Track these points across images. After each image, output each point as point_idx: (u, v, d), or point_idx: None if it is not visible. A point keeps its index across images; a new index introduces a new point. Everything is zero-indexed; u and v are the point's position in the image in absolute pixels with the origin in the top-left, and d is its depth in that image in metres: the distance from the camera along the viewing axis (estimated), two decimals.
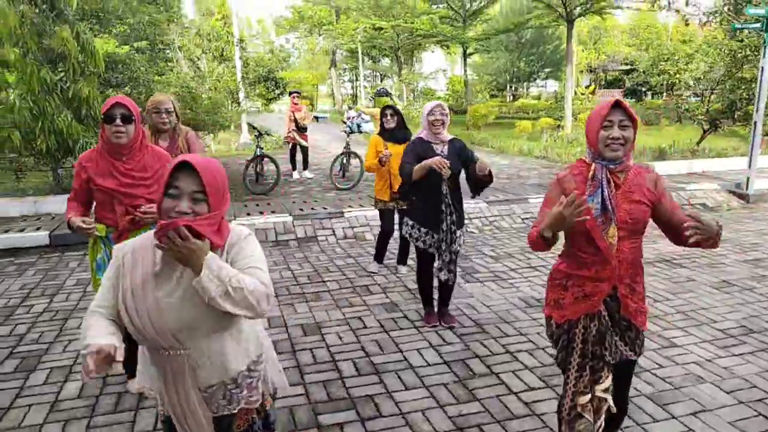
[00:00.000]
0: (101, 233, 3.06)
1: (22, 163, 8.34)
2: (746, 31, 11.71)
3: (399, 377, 3.49)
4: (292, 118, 10.80)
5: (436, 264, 4.16)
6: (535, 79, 40.04)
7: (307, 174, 11.03)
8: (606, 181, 2.19)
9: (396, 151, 4.83)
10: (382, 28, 24.77)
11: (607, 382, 2.32)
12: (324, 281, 5.29)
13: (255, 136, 10.15)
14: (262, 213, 7.27)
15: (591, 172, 2.22)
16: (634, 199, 2.21)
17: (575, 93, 28.70)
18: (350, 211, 7.27)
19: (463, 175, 4.04)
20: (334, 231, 6.89)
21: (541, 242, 2.22)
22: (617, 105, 2.18)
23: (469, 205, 7.53)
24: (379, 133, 5.21)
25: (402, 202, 4.68)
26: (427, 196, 3.99)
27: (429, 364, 3.66)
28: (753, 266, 5.63)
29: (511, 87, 39.70)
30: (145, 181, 3.07)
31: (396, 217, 5.21)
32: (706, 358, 3.70)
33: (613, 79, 38.00)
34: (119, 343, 1.71)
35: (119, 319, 1.73)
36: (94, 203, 3.12)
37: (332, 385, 3.40)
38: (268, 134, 13.14)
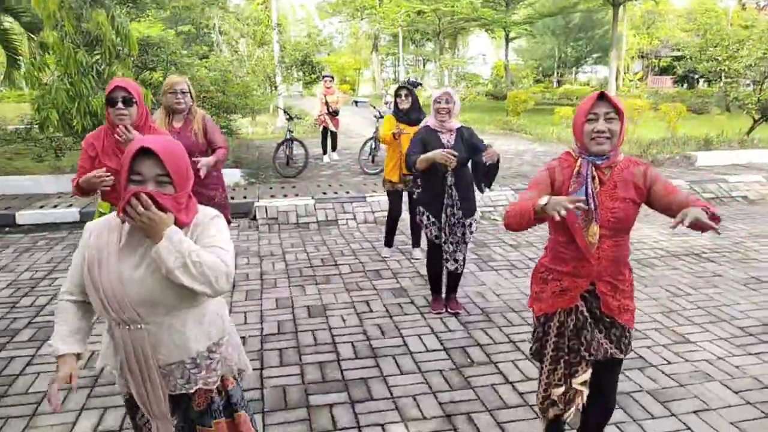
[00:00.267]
0: (105, 211, 3.15)
1: (61, 142, 8.66)
2: None
3: (396, 361, 3.48)
4: (324, 101, 10.84)
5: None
6: (582, 65, 38.89)
7: (334, 156, 11.07)
8: (590, 177, 2.11)
9: (409, 131, 4.79)
10: (423, 12, 24.48)
11: (585, 376, 2.26)
12: (337, 264, 5.32)
13: (286, 119, 10.23)
14: (286, 196, 7.35)
15: (576, 168, 2.14)
16: (618, 196, 2.11)
17: (624, 80, 27.81)
18: (372, 196, 7.27)
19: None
20: (354, 215, 6.91)
21: (530, 217, 2.05)
22: (602, 97, 2.09)
23: (495, 192, 7.42)
24: (393, 113, 5.18)
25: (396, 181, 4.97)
26: (433, 185, 3.94)
27: (428, 350, 3.64)
28: None
29: (556, 73, 38.69)
30: None
31: (405, 198, 5.21)
32: (719, 356, 3.55)
33: (666, 65, 36.52)
34: (81, 347, 1.83)
35: (88, 296, 1.78)
36: None
37: (328, 366, 3.42)
38: (298, 118, 13.20)
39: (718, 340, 3.78)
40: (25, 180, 8.03)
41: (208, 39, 18.08)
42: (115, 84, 2.96)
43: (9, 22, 9.59)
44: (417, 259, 5.42)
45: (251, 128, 15.02)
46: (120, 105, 2.97)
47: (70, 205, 6.86)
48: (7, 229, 6.52)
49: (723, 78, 13.80)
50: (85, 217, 6.63)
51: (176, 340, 1.79)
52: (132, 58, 8.15)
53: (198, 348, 1.84)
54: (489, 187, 4.02)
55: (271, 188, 8.01)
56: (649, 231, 6.40)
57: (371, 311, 4.26)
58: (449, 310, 4.20)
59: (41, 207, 6.87)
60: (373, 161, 10.15)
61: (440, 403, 3.04)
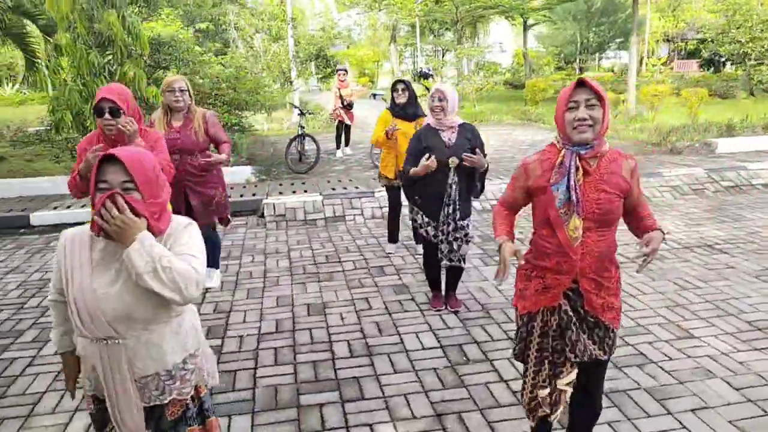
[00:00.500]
0: None
1: (76, 143, 8.81)
2: None
3: (390, 360, 3.47)
4: (338, 94, 10.82)
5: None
6: (605, 51, 38.08)
7: (348, 150, 11.06)
8: (574, 168, 2.05)
9: (404, 128, 4.74)
10: (441, 1, 24.20)
11: (570, 377, 2.21)
12: (341, 261, 5.32)
13: (298, 114, 10.25)
14: (294, 192, 7.37)
15: (559, 159, 2.09)
16: (604, 188, 2.05)
17: (647, 65, 27.16)
18: (381, 191, 7.20)
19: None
20: (362, 211, 6.89)
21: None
22: (582, 84, 2.03)
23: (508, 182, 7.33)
24: (389, 108, 5.11)
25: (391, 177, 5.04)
26: (431, 185, 3.87)
27: (424, 348, 3.61)
28: None
29: (578, 59, 37.96)
30: None
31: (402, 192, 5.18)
32: (723, 351, 3.45)
33: (693, 49, 35.54)
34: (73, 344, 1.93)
35: None
36: None
37: (322, 365, 3.42)
38: (310, 113, 13.22)
39: (723, 335, 3.68)
40: (44, 181, 8.21)
41: (227, 36, 18.21)
42: (101, 96, 2.99)
43: (27, 25, 9.77)
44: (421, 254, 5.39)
45: (266, 124, 15.09)
46: (107, 116, 3.01)
47: (83, 206, 6.98)
48: (22, 230, 6.68)
49: (747, 61, 13.36)
50: None
51: (153, 354, 1.80)
52: (144, 58, 8.23)
53: (174, 360, 1.85)
54: (477, 195, 3.98)
55: (281, 185, 8.04)
56: (661, 222, 6.25)
57: (371, 309, 4.24)
58: (449, 307, 4.17)
59: (55, 208, 7.02)
60: None
61: (431, 402, 3.02)
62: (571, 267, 2.10)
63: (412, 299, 4.39)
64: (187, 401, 1.91)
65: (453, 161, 3.74)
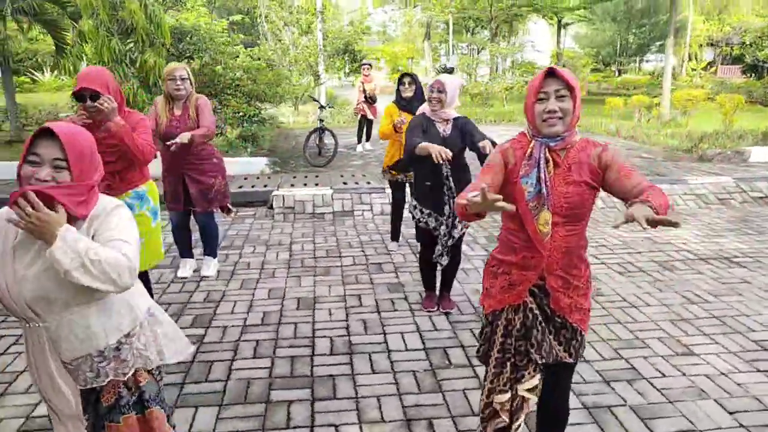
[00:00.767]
0: None
1: None
2: None
3: (370, 360, 3.38)
4: (361, 89, 10.76)
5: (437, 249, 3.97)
6: (645, 53, 37.03)
7: (368, 146, 10.99)
8: (544, 160, 1.93)
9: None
10: None
11: (532, 382, 2.09)
12: (340, 256, 5.25)
13: (318, 108, 10.23)
14: (306, 185, 7.33)
15: (529, 150, 1.97)
16: (572, 180, 1.94)
17: (687, 69, 26.33)
18: None
19: (471, 154, 3.78)
20: (371, 206, 6.81)
21: (462, 210, 1.98)
22: (553, 74, 1.91)
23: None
24: (395, 102, 5.02)
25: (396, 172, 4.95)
26: (429, 177, 3.78)
27: (407, 349, 3.52)
28: None
29: (616, 61, 37.02)
30: (119, 147, 3.15)
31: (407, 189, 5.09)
32: (722, 371, 3.26)
33: (739, 54, 34.28)
34: None
35: None
36: None
37: (299, 361, 3.36)
38: (330, 107, 13.19)
39: (725, 353, 3.47)
40: None
41: (261, 28, 18.33)
42: (80, 86, 2.97)
43: (56, 12, 9.98)
44: (393, 251, 5.39)
45: (293, 117, 15.13)
46: (89, 102, 3.00)
47: None
48: None
49: None
50: None
51: (79, 335, 1.75)
52: (165, 46, 8.31)
53: (107, 341, 1.80)
54: None
55: (294, 177, 8.02)
56: (680, 231, 6.00)
57: (361, 306, 4.16)
58: (441, 309, 4.05)
59: None
60: None
61: (404, 406, 2.92)
62: (538, 263, 1.99)
63: (405, 298, 4.29)
64: (120, 389, 1.85)
65: (439, 159, 3.61)
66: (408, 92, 4.89)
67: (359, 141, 11.11)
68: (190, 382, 3.11)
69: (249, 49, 11.89)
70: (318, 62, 15.27)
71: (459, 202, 2.01)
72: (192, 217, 4.63)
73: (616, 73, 36.77)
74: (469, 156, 3.72)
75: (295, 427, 2.74)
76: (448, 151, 3.46)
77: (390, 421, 2.79)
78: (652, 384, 3.13)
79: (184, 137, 4.04)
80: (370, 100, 10.65)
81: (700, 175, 8.05)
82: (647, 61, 40.16)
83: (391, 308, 4.12)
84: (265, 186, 7.35)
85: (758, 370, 3.27)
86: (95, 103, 2.95)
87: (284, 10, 15.71)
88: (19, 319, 1.74)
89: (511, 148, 2.04)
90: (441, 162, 3.41)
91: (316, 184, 7.38)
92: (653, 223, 1.59)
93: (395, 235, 5.49)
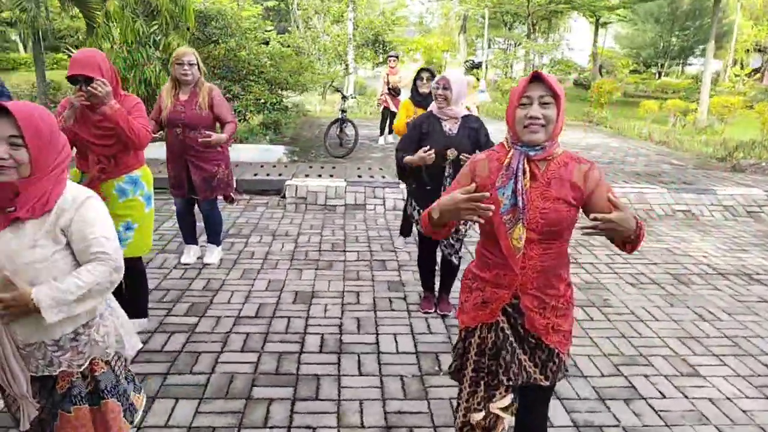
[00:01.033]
0: (75, 179, 3.17)
1: None
2: None
3: (359, 361, 3.30)
4: (386, 80, 10.65)
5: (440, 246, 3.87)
6: (688, 56, 35.90)
7: (390, 138, 10.89)
8: (522, 171, 1.82)
9: None
10: None
11: (503, 402, 1.98)
12: (345, 251, 5.17)
13: (341, 98, 10.16)
14: (320, 176, 7.27)
15: (506, 159, 1.85)
16: (551, 195, 1.81)
17: (730, 75, 25.43)
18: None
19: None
20: (384, 201, 6.72)
21: (427, 221, 1.92)
22: (538, 78, 1.79)
23: None
24: (411, 98, 4.90)
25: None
26: (430, 178, 3.66)
27: (398, 352, 3.43)
28: None
29: (657, 63, 35.97)
30: (115, 131, 3.12)
31: None
32: (727, 396, 3.08)
33: None
34: None
35: None
36: (75, 150, 3.23)
37: (287, 358, 3.30)
38: (353, 97, 13.10)
39: (733, 376, 3.29)
40: None
41: (293, 15, 18.34)
42: (73, 72, 2.94)
43: None
44: (398, 247, 5.30)
45: (319, 106, 15.10)
46: (82, 86, 2.97)
47: None
48: None
49: None
50: None
51: (33, 320, 1.72)
52: (190, 30, 8.33)
53: (63, 330, 1.77)
54: None
55: (310, 167, 7.96)
56: (701, 244, 5.76)
57: (358, 303, 4.08)
58: (438, 311, 3.95)
59: None
60: None
61: (386, 412, 2.83)
62: (512, 281, 1.88)
63: (404, 298, 4.20)
64: (73, 378, 1.81)
65: (452, 153, 3.52)
66: (425, 88, 4.75)
67: (381, 133, 11.01)
68: (174, 373, 3.08)
69: (280, 36, 11.88)
70: (347, 51, 15.17)
71: (423, 214, 1.94)
72: (196, 205, 4.61)
73: (657, 76, 35.77)
74: None
75: (272, 427, 2.68)
76: (427, 155, 3.38)
77: (369, 427, 2.71)
78: (650, 405, 2.98)
79: (221, 138, 4.19)
80: (394, 92, 10.53)
81: (731, 186, 7.72)
82: (690, 65, 38.95)
83: (388, 307, 4.03)
84: (280, 175, 7.31)
85: (766, 397, 3.09)
86: (89, 87, 2.92)
87: None
88: None
89: (486, 159, 1.94)
90: (424, 163, 3.37)
91: (331, 176, 7.31)
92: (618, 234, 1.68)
93: (406, 230, 5.38)
